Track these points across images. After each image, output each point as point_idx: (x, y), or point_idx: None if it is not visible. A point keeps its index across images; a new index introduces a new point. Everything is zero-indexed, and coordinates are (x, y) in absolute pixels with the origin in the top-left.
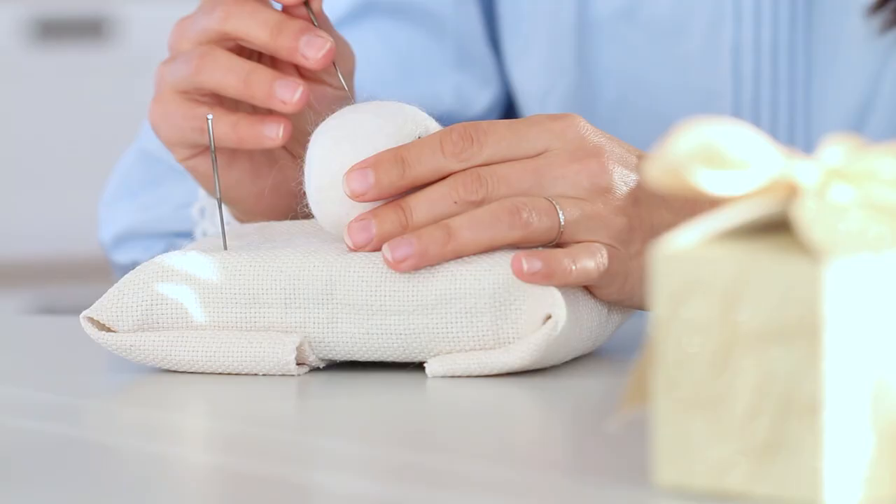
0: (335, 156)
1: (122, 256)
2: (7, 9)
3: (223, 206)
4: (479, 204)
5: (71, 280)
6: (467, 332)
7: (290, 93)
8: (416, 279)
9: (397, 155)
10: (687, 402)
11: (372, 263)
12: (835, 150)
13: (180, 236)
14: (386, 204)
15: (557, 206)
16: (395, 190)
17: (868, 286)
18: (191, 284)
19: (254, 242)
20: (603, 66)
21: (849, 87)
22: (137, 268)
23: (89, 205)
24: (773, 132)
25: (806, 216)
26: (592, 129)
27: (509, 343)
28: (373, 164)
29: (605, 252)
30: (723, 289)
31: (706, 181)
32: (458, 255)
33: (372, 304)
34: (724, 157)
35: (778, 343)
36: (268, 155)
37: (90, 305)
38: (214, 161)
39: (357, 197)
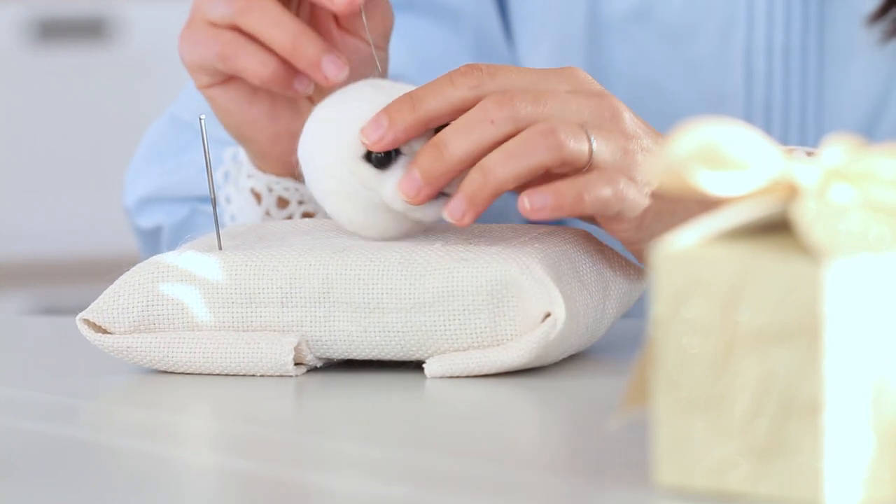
0: (330, 125)
1: (145, 220)
2: (7, 9)
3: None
4: (516, 121)
5: (71, 280)
6: (465, 329)
7: (335, 70)
8: (414, 277)
9: (407, 95)
10: (687, 402)
11: (369, 261)
12: (835, 151)
13: (203, 201)
14: (424, 146)
15: (588, 131)
16: (410, 128)
17: (868, 286)
18: (187, 285)
19: (248, 242)
20: (614, 68)
21: (861, 90)
22: (133, 269)
23: (89, 205)
24: (785, 135)
25: (806, 216)
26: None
27: (507, 341)
28: (384, 109)
29: (624, 181)
30: (723, 289)
31: (706, 181)
32: (500, 192)
33: (369, 302)
34: (724, 157)
35: (778, 343)
36: (289, 100)
37: (89, 306)
38: (208, 161)
39: (375, 144)
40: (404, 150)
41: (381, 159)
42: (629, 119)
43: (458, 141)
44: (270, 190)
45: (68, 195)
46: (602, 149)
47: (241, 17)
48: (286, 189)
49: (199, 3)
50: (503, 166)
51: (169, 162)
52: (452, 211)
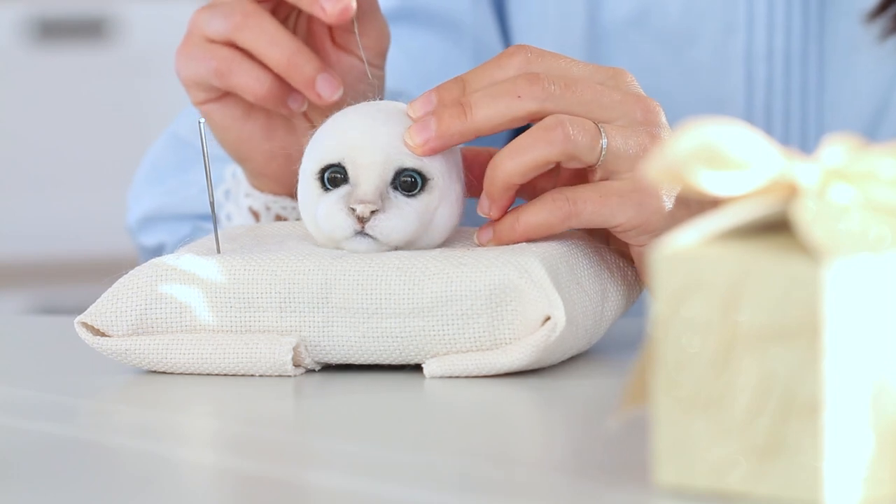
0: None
1: (147, 239)
2: (7, 9)
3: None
4: (542, 101)
5: (71, 280)
6: (463, 334)
7: (329, 90)
8: (412, 282)
9: (453, 79)
10: (687, 402)
11: (367, 266)
12: (835, 151)
13: (205, 219)
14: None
15: (602, 132)
16: (459, 136)
17: (868, 286)
18: (186, 288)
19: (247, 245)
20: None
21: (861, 95)
22: (131, 272)
23: (89, 205)
24: (786, 140)
25: (806, 216)
26: None
27: (506, 345)
28: (434, 111)
29: (563, 203)
30: (723, 289)
31: (707, 181)
32: (509, 186)
33: (367, 307)
34: (724, 157)
35: (778, 343)
36: (285, 117)
37: (89, 306)
38: (207, 165)
39: (418, 148)
40: (352, 179)
41: (331, 180)
42: (665, 123)
43: (482, 106)
44: (268, 209)
45: (68, 195)
46: (617, 146)
47: (237, 33)
48: (283, 208)
49: (197, 20)
50: (509, 161)
51: (170, 181)
52: (481, 206)
